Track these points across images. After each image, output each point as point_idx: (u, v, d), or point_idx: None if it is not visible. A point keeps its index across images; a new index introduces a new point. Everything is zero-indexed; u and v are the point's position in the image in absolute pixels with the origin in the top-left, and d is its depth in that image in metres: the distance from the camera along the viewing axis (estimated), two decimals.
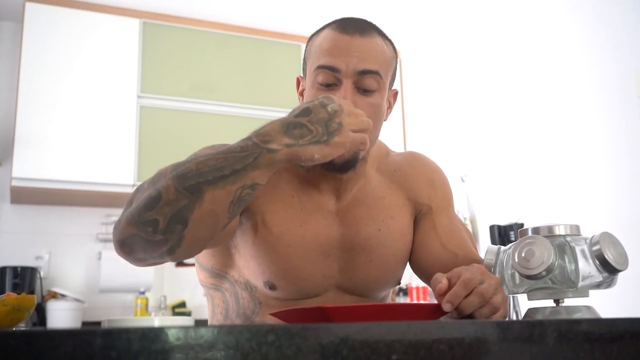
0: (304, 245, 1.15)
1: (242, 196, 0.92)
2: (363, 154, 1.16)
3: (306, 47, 1.21)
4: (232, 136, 3.59)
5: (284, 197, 1.18)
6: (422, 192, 1.27)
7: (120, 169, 3.29)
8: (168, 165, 0.98)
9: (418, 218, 1.27)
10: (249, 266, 1.18)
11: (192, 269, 3.05)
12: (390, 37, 1.22)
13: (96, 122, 3.30)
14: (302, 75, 1.23)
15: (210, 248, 1.20)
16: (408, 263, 1.29)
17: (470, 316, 0.91)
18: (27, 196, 3.28)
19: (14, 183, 3.09)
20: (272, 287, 1.17)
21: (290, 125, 0.94)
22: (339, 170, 1.14)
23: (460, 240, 1.25)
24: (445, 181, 1.33)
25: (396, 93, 1.25)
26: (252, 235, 1.16)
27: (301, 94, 1.22)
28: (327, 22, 1.20)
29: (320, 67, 1.10)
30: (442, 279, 0.93)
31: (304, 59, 1.21)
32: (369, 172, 1.24)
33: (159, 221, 0.91)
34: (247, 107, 3.64)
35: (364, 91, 1.11)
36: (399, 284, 1.29)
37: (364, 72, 1.09)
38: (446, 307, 0.89)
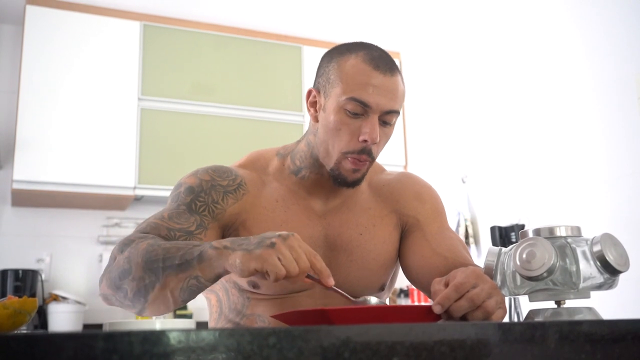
0: None
1: (189, 285, 1.01)
2: (366, 173, 1.26)
3: (329, 64, 1.25)
4: (232, 138, 3.57)
5: (266, 203, 1.27)
6: (408, 205, 1.35)
7: (121, 171, 3.29)
8: (146, 238, 1.09)
9: (406, 230, 1.34)
10: None
11: None
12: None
13: (97, 125, 3.31)
14: (316, 89, 1.27)
15: None
16: (402, 272, 1.35)
17: (465, 319, 0.92)
18: (28, 199, 3.28)
19: (15, 186, 3.09)
20: (255, 285, 1.23)
21: (243, 238, 1.00)
22: (349, 185, 1.25)
23: (450, 245, 1.28)
24: (435, 196, 1.40)
25: None
26: None
27: (312, 105, 1.28)
28: (346, 44, 1.26)
29: (353, 100, 1.18)
30: (440, 291, 0.94)
31: (326, 78, 1.24)
32: (361, 185, 1.33)
33: (127, 291, 1.06)
34: (248, 109, 3.65)
35: (384, 123, 1.21)
36: (383, 289, 1.35)
37: (389, 112, 1.20)
38: (436, 309, 0.91)
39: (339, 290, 1.01)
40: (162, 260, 1.01)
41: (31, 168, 3.13)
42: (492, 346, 0.66)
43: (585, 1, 2.80)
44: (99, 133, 3.30)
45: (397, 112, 1.22)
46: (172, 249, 1.02)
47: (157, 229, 1.14)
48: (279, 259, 0.93)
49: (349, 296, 1.03)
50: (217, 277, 1.00)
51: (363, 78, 1.18)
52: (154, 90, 3.47)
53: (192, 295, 1.03)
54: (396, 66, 1.23)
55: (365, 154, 1.20)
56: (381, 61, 1.20)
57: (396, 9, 3.67)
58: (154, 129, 3.42)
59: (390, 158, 3.83)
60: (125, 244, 1.09)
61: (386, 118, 1.21)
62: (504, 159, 3.23)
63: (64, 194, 3.22)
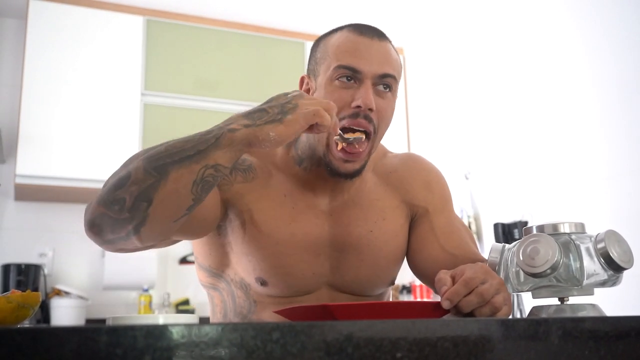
0: (293, 243, 1.18)
1: (205, 176, 0.95)
2: (367, 161, 1.18)
3: (316, 47, 1.22)
4: None
5: (275, 196, 1.21)
6: (418, 195, 1.29)
7: None
8: (141, 150, 1.03)
9: (415, 220, 1.29)
10: (241, 263, 1.21)
11: None
12: (394, 33, 1.25)
13: (100, 120, 3.31)
14: (307, 74, 1.24)
15: (188, 239, 1.22)
16: (407, 265, 1.31)
17: (472, 314, 0.91)
18: (30, 193, 3.29)
19: (18, 180, 3.10)
20: (263, 283, 1.19)
21: (252, 111, 1.01)
22: (347, 177, 1.17)
23: (459, 240, 1.25)
24: (443, 182, 1.35)
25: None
26: (241, 232, 1.19)
27: (306, 92, 1.23)
28: (337, 26, 1.22)
29: (341, 67, 1.13)
30: (446, 281, 0.93)
31: (314, 59, 1.22)
32: (365, 173, 1.25)
33: (126, 199, 0.94)
34: (251, 104, 3.61)
35: (380, 93, 1.15)
36: (393, 283, 1.32)
37: (383, 76, 1.14)
38: (445, 304, 0.90)
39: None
40: (168, 156, 0.94)
41: (34, 163, 3.13)
42: (495, 342, 0.66)
43: None
44: (101, 128, 3.30)
45: (392, 77, 1.15)
46: (177, 143, 0.96)
47: None
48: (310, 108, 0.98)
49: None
50: (237, 159, 0.98)
51: (350, 45, 1.14)
52: (157, 85, 3.47)
53: (207, 190, 0.97)
54: (386, 36, 1.19)
55: (363, 118, 1.12)
56: (366, 28, 1.16)
57: (400, 4, 3.66)
58: (157, 124, 3.41)
59: None
60: (115, 171, 1.02)
61: (381, 85, 1.14)
62: (506, 156, 3.22)
63: (67, 189, 3.22)
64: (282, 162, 1.25)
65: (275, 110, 0.99)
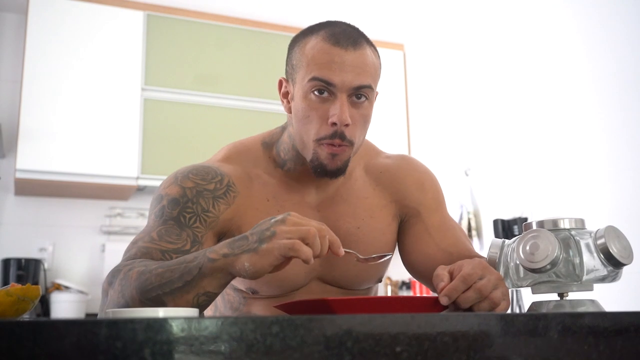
0: None
1: (200, 303, 0.93)
2: (352, 156, 1.17)
3: (292, 50, 1.19)
4: (236, 129, 3.55)
5: (258, 204, 1.19)
6: (410, 195, 1.29)
7: (124, 161, 3.29)
8: (134, 265, 0.98)
9: (406, 221, 1.30)
10: None
11: None
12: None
13: (100, 115, 3.30)
14: (285, 78, 1.22)
15: None
16: (403, 266, 1.32)
17: (471, 309, 0.92)
18: (31, 188, 3.29)
19: (18, 175, 3.10)
20: (254, 292, 1.21)
21: (237, 238, 0.93)
22: (330, 175, 1.16)
23: (454, 238, 1.26)
24: (436, 183, 1.35)
25: (376, 94, 1.26)
26: None
27: (284, 96, 1.22)
28: (311, 26, 1.19)
29: (315, 79, 1.11)
30: (444, 276, 0.93)
31: (291, 64, 1.19)
32: (355, 171, 1.26)
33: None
34: (251, 99, 3.64)
35: (356, 102, 1.14)
36: (381, 280, 1.32)
37: (358, 88, 1.12)
38: (443, 300, 0.90)
39: (350, 251, 0.99)
40: (159, 287, 0.92)
41: (34, 157, 3.13)
42: (494, 337, 0.66)
43: None
44: (102, 123, 3.30)
45: (368, 87, 1.13)
46: (166, 272, 0.93)
47: (149, 253, 1.04)
48: (288, 238, 0.87)
49: (359, 255, 1.01)
50: (226, 284, 0.95)
51: (324, 57, 1.11)
52: (158, 80, 3.47)
53: (204, 309, 0.97)
54: (364, 39, 1.15)
55: (338, 137, 1.11)
56: (342, 36, 1.12)
57: (400, 0, 3.66)
58: (157, 119, 3.41)
59: (393, 151, 3.81)
60: (114, 275, 0.99)
61: (357, 96, 1.13)
62: (506, 152, 3.22)
63: (67, 184, 3.22)
64: (264, 163, 1.25)
65: (254, 238, 0.90)
